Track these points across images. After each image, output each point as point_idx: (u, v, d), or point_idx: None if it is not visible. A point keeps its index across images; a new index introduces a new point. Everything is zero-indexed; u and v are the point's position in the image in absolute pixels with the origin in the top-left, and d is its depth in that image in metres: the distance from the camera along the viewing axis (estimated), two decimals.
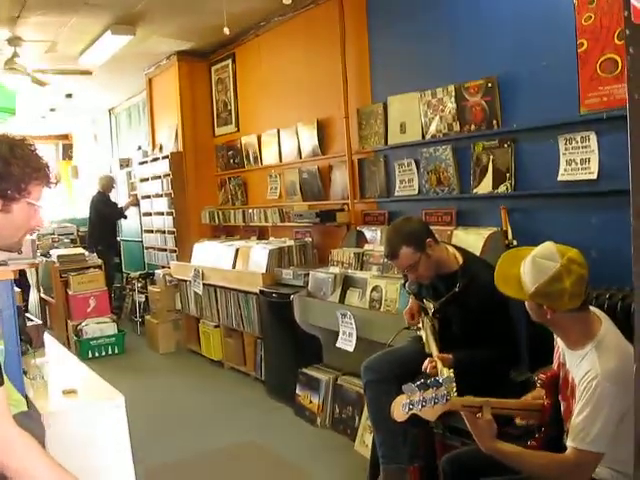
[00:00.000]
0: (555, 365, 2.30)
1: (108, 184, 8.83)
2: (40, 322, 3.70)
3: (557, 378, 2.26)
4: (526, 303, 2.14)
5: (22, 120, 9.74)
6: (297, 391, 4.86)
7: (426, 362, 2.91)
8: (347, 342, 4.27)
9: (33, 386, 2.89)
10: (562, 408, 2.21)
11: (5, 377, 1.59)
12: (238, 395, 5.50)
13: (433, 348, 2.98)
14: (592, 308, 2.16)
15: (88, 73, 7.18)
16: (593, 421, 1.93)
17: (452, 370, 2.72)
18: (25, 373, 3.01)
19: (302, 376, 4.84)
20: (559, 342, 2.26)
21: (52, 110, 9.85)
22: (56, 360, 3.35)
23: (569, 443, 1.99)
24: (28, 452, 1.55)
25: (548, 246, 2.10)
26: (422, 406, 2.01)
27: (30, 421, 1.84)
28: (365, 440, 4.05)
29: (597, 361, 1.97)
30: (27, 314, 3.96)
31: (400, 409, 2.02)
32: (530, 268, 2.07)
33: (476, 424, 2.10)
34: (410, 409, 2.01)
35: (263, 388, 5.49)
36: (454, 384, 2.06)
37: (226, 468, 4.10)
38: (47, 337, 3.76)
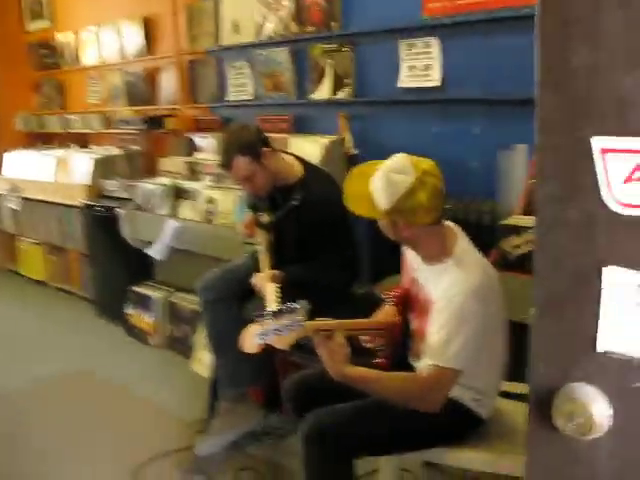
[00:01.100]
0: (405, 282, 2.20)
1: None
2: None
3: (407, 295, 2.16)
4: (379, 221, 1.99)
5: None
6: (128, 310, 4.58)
7: (256, 278, 2.74)
8: (156, 249, 4.08)
9: None
10: (412, 326, 2.13)
11: None
12: (65, 317, 5.15)
13: (263, 263, 2.81)
14: (446, 222, 2.05)
15: None
16: (454, 337, 1.84)
17: (278, 286, 2.58)
18: None
19: (133, 294, 4.56)
20: (410, 257, 2.14)
21: None
22: None
23: (427, 361, 1.89)
24: None
25: (400, 159, 1.93)
26: (276, 335, 1.83)
27: None
28: (202, 358, 3.89)
29: (459, 277, 1.88)
30: None
31: (252, 340, 1.82)
32: (383, 184, 1.90)
33: (327, 348, 1.92)
34: (263, 339, 1.82)
35: (92, 308, 5.14)
36: (309, 307, 1.88)
37: (55, 398, 3.81)
38: None
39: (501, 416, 2.16)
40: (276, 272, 2.71)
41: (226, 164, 2.73)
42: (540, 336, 1.00)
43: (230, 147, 2.72)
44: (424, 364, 1.92)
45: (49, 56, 6.33)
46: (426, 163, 1.92)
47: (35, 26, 6.61)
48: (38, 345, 4.63)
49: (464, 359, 1.86)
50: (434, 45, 3.29)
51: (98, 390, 3.89)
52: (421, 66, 3.35)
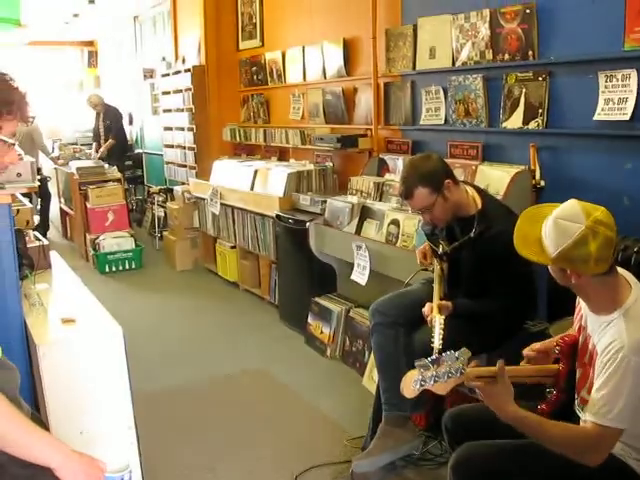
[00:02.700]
0: (575, 327, 2.15)
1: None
2: (46, 242, 3.59)
3: (576, 344, 2.11)
4: (549, 267, 1.97)
5: (44, 25, 9.53)
6: (309, 320, 4.79)
7: (426, 307, 2.79)
8: (360, 275, 4.16)
9: (32, 312, 2.82)
10: (577, 374, 2.08)
11: None
12: (251, 318, 5.47)
13: (435, 293, 2.85)
14: (621, 271, 1.97)
15: None
16: (617, 396, 1.79)
17: (443, 317, 2.60)
18: (26, 297, 2.95)
19: (314, 305, 4.76)
20: (582, 304, 2.10)
21: (75, 16, 9.55)
22: (59, 285, 3.26)
23: (590, 418, 1.85)
24: None
25: (572, 205, 1.89)
26: (434, 382, 1.87)
27: (3, 370, 1.75)
28: (373, 376, 3.97)
29: (624, 331, 1.81)
30: (36, 232, 3.85)
31: (411, 386, 1.87)
32: (552, 230, 1.88)
33: (491, 394, 1.94)
34: (422, 385, 1.87)
35: (276, 313, 5.44)
36: (469, 355, 1.90)
37: (231, 394, 4.09)
38: (54, 257, 3.68)
39: None
40: (445, 303, 2.74)
41: (407, 194, 2.80)
42: None
43: (412, 177, 2.78)
44: (586, 419, 1.87)
45: (257, 73, 6.76)
46: (599, 211, 1.85)
47: (246, 45, 7.10)
48: (221, 341, 4.99)
49: (627, 418, 1.80)
50: (633, 77, 3.15)
51: (270, 392, 4.11)
52: (616, 99, 3.22)
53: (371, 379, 4.00)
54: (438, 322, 2.54)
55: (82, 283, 3.38)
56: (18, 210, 3.51)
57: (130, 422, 2.70)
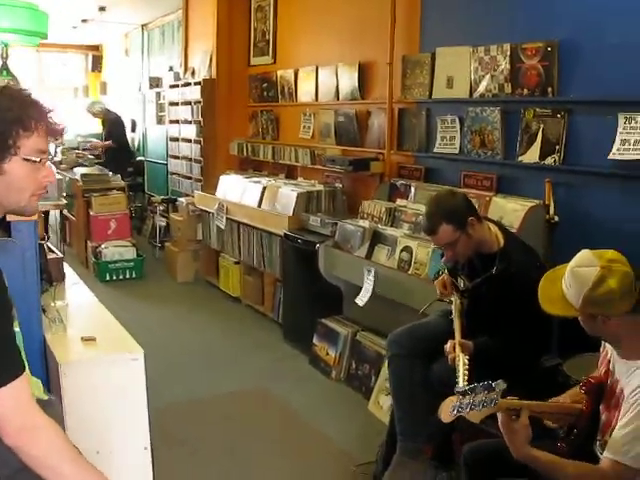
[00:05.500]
0: (602, 371, 2.19)
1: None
2: (61, 255, 3.61)
3: (602, 385, 2.15)
4: (579, 318, 2.02)
5: (52, 29, 9.53)
6: (314, 341, 4.80)
7: (448, 344, 2.82)
8: (362, 298, 4.20)
9: (52, 329, 2.83)
10: (602, 418, 2.11)
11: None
12: (253, 336, 5.46)
13: (457, 330, 2.88)
14: None
15: None
16: (639, 436, 1.84)
17: (467, 357, 2.64)
18: (44, 311, 2.95)
19: (321, 326, 4.78)
20: (608, 349, 2.15)
21: (84, 21, 9.58)
22: (75, 299, 3.27)
23: (609, 455, 1.90)
24: (52, 442, 1.48)
25: (584, 253, 2.01)
26: (470, 409, 1.93)
27: (52, 410, 1.76)
28: (380, 401, 4.00)
29: None
30: (47, 242, 3.86)
31: (448, 411, 1.94)
32: (571, 280, 1.98)
33: (511, 428, 2.02)
34: (459, 412, 1.94)
35: (279, 331, 5.44)
36: (505, 387, 1.96)
37: (234, 414, 4.07)
38: (67, 270, 3.68)
39: None
40: (467, 343, 2.77)
41: (431, 230, 2.83)
42: None
43: (437, 214, 2.81)
44: (605, 456, 1.92)
45: (268, 89, 6.79)
46: (610, 252, 1.96)
47: (257, 61, 7.14)
48: (224, 357, 4.98)
49: None
50: None
51: (275, 412, 4.10)
52: (633, 140, 3.27)
53: (377, 404, 4.02)
54: (462, 362, 2.57)
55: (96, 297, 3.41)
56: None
57: (146, 443, 2.71)
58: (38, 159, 1.57)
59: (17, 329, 1.52)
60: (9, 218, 2.56)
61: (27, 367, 1.52)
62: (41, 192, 1.69)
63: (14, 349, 1.46)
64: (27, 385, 1.47)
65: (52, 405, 1.84)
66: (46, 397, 1.89)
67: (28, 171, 1.56)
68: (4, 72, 3.26)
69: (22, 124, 1.53)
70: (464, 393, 1.93)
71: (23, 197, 1.60)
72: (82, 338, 2.76)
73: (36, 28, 3.35)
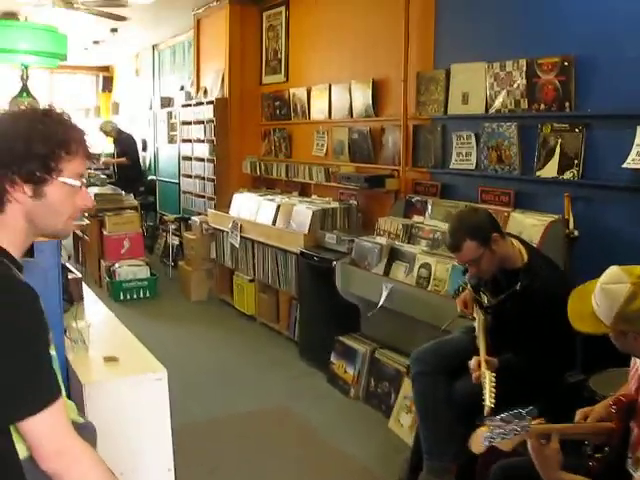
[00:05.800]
0: (633, 388, 2.16)
1: None
2: (80, 275, 3.61)
3: (633, 402, 2.12)
4: (610, 335, 2.00)
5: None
6: (332, 359, 4.78)
7: (473, 361, 2.80)
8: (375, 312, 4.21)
9: (74, 349, 2.82)
10: (634, 434, 2.08)
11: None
12: (269, 354, 5.44)
13: (481, 347, 2.86)
14: None
15: (122, 19, 6.91)
16: None
17: (494, 375, 2.62)
18: (66, 332, 2.95)
19: (338, 344, 4.75)
20: (639, 365, 2.12)
21: (95, 43, 9.66)
22: (95, 320, 3.26)
23: None
24: (93, 468, 1.47)
25: (613, 270, 1.97)
26: (502, 438, 1.90)
27: (87, 433, 1.74)
28: (400, 419, 3.97)
29: None
30: (65, 263, 3.86)
31: (480, 442, 1.90)
32: (601, 297, 1.95)
33: (541, 453, 1.96)
34: (490, 442, 1.90)
35: (295, 349, 5.42)
36: (536, 413, 1.93)
37: (252, 433, 4.05)
38: (85, 290, 3.68)
39: None
40: (492, 360, 2.74)
41: (455, 247, 2.82)
42: None
43: (460, 230, 2.80)
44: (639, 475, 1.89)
45: (281, 108, 6.81)
46: (639, 268, 1.92)
47: (269, 80, 7.18)
48: (240, 376, 4.96)
49: None
50: None
51: (294, 431, 4.08)
52: None
53: (398, 422, 3.99)
54: (488, 379, 2.55)
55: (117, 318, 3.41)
56: None
57: (170, 464, 2.69)
58: (78, 183, 1.57)
59: (53, 352, 1.51)
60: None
61: (63, 391, 1.51)
62: (77, 216, 1.68)
63: (52, 373, 1.46)
64: (63, 409, 1.46)
65: (87, 428, 1.82)
66: (81, 420, 1.87)
67: (67, 195, 1.55)
68: (24, 94, 3.28)
69: (66, 147, 1.52)
70: (495, 423, 1.90)
71: (60, 220, 1.57)
72: (105, 358, 2.75)
73: (56, 50, 3.38)
